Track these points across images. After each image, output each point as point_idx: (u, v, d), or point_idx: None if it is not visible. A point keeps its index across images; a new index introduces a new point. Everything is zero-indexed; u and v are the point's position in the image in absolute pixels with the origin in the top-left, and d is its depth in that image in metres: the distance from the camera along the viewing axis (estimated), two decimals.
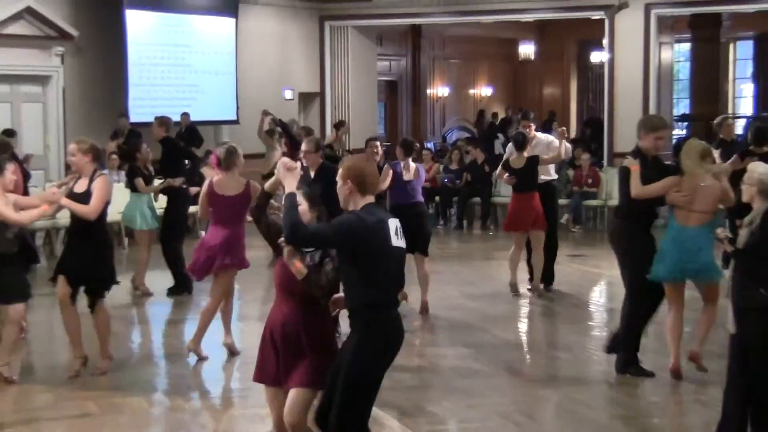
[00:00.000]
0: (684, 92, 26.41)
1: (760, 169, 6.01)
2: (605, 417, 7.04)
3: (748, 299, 5.80)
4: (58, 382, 7.85)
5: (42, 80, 16.37)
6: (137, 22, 17.11)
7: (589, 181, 17.32)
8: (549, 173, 11.53)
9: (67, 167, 13.44)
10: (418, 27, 25.30)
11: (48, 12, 16.01)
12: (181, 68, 18.14)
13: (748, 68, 27.45)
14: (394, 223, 5.02)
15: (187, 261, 10.95)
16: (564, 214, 16.60)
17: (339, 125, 19.37)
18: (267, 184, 5.38)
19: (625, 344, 7.85)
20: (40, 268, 12.03)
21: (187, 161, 12.13)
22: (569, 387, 7.73)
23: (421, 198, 10.30)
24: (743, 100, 27.90)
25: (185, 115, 16.72)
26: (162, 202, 12.09)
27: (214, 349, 8.67)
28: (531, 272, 11.27)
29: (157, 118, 11.74)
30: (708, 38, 23.07)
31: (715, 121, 13.38)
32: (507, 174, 11.13)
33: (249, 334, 8.91)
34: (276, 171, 5.16)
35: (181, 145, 12.41)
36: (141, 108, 16.81)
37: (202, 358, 8.51)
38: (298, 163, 5.33)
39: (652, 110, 19.30)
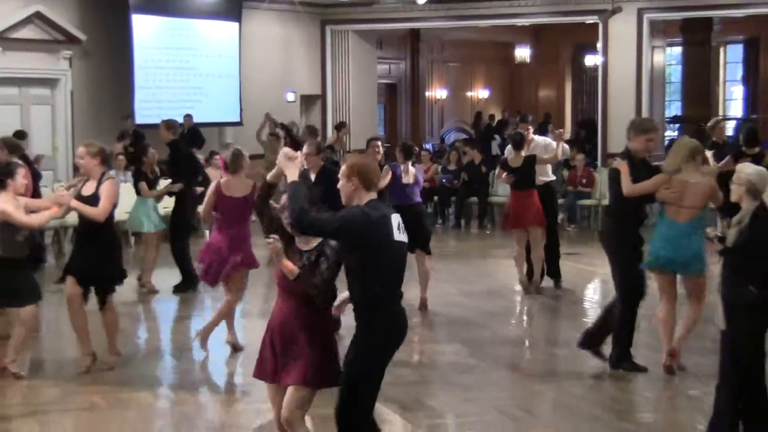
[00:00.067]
0: (676, 94, 26.41)
1: (748, 170, 6.02)
2: (600, 411, 7.03)
3: (738, 296, 5.80)
4: (66, 377, 7.85)
5: (51, 83, 16.36)
6: (143, 27, 17.10)
7: (584, 181, 17.32)
8: (547, 174, 11.54)
9: (75, 168, 13.42)
10: (417, 31, 25.28)
11: (57, 17, 16.01)
12: (185, 71, 18.13)
13: (738, 71, 27.46)
14: (396, 218, 5.02)
15: (193, 259, 11.02)
16: (559, 214, 16.57)
17: (340, 126, 19.38)
18: (269, 175, 5.33)
19: (617, 340, 7.84)
20: (48, 267, 12.05)
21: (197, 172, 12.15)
22: (565, 382, 7.73)
23: (419, 199, 10.30)
24: (733, 102, 27.91)
25: (188, 116, 16.70)
26: (167, 202, 12.09)
27: (218, 346, 8.67)
28: (531, 270, 11.26)
29: (164, 122, 11.73)
30: (699, 42, 23.07)
31: (708, 125, 13.43)
32: (505, 173, 11.15)
33: (251, 331, 8.90)
34: (277, 161, 5.15)
35: (187, 151, 12.27)
36: (147, 110, 16.80)
37: (205, 350, 8.48)
38: (299, 153, 5.30)
39: (644, 112, 19.32)
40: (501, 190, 17.11)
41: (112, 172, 9.50)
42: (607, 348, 7.98)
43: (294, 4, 19.35)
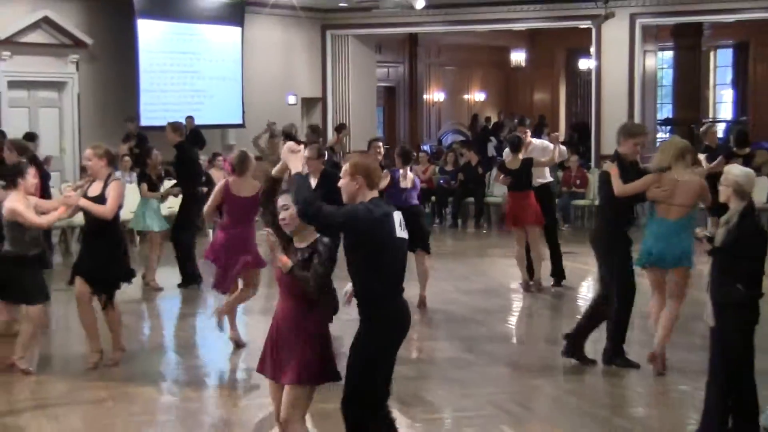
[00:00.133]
0: (667, 98, 26.43)
1: (736, 171, 6.01)
2: (594, 406, 7.03)
3: (726, 295, 5.80)
4: (73, 373, 7.85)
5: (58, 86, 16.37)
6: (148, 31, 17.10)
7: (578, 182, 17.34)
8: (545, 176, 11.55)
9: (82, 169, 13.43)
10: (415, 36, 25.27)
11: (64, 21, 16.02)
12: (189, 75, 18.13)
13: (728, 75, 27.49)
14: (398, 216, 5.04)
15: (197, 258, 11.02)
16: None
17: (340, 128, 19.37)
18: (274, 170, 5.33)
19: (612, 337, 7.84)
20: (56, 265, 12.02)
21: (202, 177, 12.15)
22: (560, 377, 7.75)
23: (416, 202, 10.29)
24: (723, 105, 27.95)
25: (190, 118, 16.68)
26: (172, 202, 12.09)
27: (221, 342, 8.67)
28: (531, 268, 11.26)
29: (170, 124, 11.71)
30: (690, 46, 23.10)
31: (701, 129, 13.49)
32: (503, 175, 11.16)
33: (253, 328, 8.91)
34: (281, 156, 5.15)
35: (192, 153, 12.21)
36: (152, 113, 16.82)
37: (221, 327, 8.43)
38: (302, 146, 5.30)
39: (636, 114, 19.36)
40: (497, 190, 17.14)
41: (117, 174, 9.51)
42: (592, 345, 8.00)
43: (295, 10, 19.35)
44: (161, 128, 12.09)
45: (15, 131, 13.51)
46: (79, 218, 9.27)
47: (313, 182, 8.46)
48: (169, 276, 11.66)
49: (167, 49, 17.67)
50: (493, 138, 24.00)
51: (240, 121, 18.97)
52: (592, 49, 20.19)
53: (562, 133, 26.14)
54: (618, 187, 7.60)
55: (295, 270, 4.99)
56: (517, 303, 11.00)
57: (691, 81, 23.17)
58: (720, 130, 21.46)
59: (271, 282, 9.23)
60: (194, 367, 8.28)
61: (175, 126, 11.63)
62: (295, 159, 5.06)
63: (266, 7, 19.08)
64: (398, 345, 5.09)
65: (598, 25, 19.53)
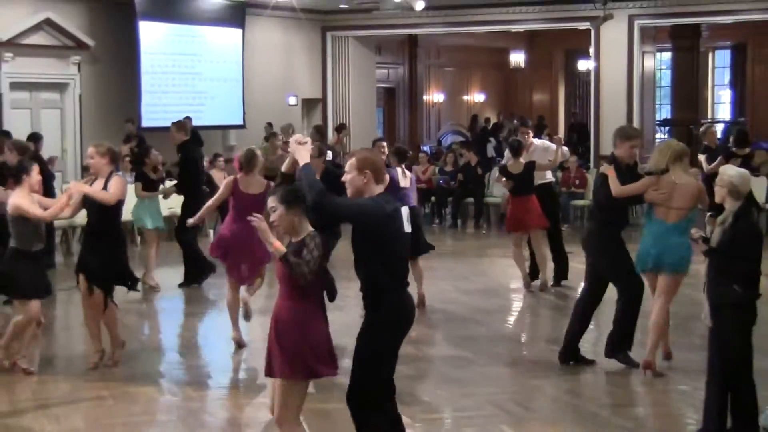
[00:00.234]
0: (666, 98, 26.39)
1: (731, 172, 5.98)
2: (594, 406, 7.01)
3: (723, 296, 5.78)
4: (74, 372, 7.83)
5: (60, 88, 16.36)
6: (150, 33, 17.09)
7: (577, 182, 17.31)
8: (545, 176, 11.46)
9: (84, 169, 13.41)
10: (415, 37, 25.25)
11: (66, 23, 16.01)
12: (190, 76, 18.12)
13: (726, 76, 27.50)
14: (405, 211, 5.08)
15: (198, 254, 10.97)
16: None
17: (340, 128, 19.37)
18: (284, 166, 5.34)
19: (618, 331, 7.77)
20: (57, 265, 12.00)
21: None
22: (559, 377, 7.70)
23: (414, 203, 10.25)
24: (721, 105, 27.95)
25: (188, 118, 16.56)
26: (172, 202, 12.05)
27: (222, 342, 8.64)
28: (535, 269, 11.20)
29: (174, 124, 11.66)
30: (688, 48, 23.05)
31: (701, 130, 13.48)
32: (504, 179, 11.11)
33: (254, 328, 8.88)
34: (289, 150, 5.16)
35: (196, 153, 12.15)
36: (153, 114, 16.81)
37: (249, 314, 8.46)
38: (308, 139, 5.28)
39: (635, 115, 19.36)
40: (496, 190, 17.13)
41: (119, 173, 9.47)
42: (592, 347, 7.97)
43: (296, 12, 19.34)
44: (163, 129, 12.06)
45: (17, 132, 13.45)
46: (80, 218, 9.26)
47: None
48: (169, 276, 11.63)
49: (168, 50, 17.65)
50: (492, 139, 23.99)
51: (241, 122, 18.98)
52: (591, 51, 20.17)
53: (561, 134, 26.16)
54: (616, 188, 7.56)
55: (288, 256, 4.92)
56: (517, 303, 10.98)
57: (690, 82, 23.13)
58: (718, 130, 21.44)
59: (272, 282, 9.21)
60: (195, 367, 8.26)
61: (179, 125, 11.58)
62: (303, 150, 5.07)
63: (267, 8, 19.07)
64: (402, 337, 5.11)
65: (597, 26, 19.51)
